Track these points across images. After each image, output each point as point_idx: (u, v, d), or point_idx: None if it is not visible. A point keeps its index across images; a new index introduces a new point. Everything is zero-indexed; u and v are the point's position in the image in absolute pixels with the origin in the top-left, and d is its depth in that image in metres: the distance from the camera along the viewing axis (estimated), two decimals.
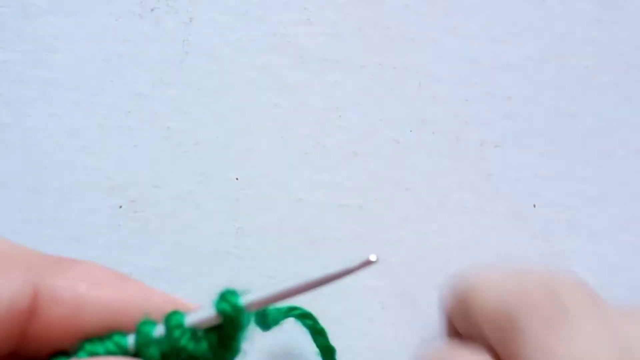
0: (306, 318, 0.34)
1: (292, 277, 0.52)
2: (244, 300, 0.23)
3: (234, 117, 0.50)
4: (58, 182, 0.49)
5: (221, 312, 0.23)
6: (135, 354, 0.22)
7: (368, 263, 0.22)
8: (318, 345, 0.35)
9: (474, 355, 0.25)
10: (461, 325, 0.30)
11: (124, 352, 0.22)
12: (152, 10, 0.49)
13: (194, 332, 0.23)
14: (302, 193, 0.50)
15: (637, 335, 0.25)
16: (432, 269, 0.49)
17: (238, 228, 0.49)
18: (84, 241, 0.49)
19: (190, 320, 0.23)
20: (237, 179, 0.49)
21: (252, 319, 0.25)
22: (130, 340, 0.22)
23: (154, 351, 0.22)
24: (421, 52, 0.50)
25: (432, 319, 0.46)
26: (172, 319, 0.23)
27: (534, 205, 0.50)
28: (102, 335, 0.22)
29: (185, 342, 0.22)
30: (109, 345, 0.22)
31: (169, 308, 0.22)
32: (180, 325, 0.23)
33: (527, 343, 0.24)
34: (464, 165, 0.50)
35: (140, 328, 0.22)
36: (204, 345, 0.23)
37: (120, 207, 0.49)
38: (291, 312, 0.34)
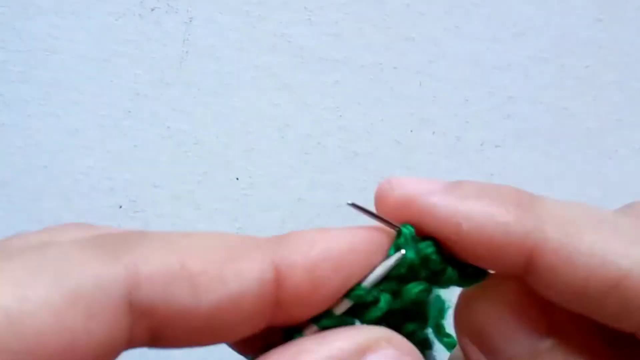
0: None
1: None
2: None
3: (234, 117, 0.50)
4: (58, 182, 0.49)
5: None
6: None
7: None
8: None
9: None
10: None
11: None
12: (152, 10, 0.49)
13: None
14: (302, 193, 0.50)
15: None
16: None
17: (238, 228, 0.49)
18: None
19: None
20: (237, 179, 0.49)
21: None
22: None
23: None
24: (422, 52, 0.50)
25: None
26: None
27: None
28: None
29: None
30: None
31: (380, 243, 0.26)
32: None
33: None
34: (465, 165, 0.50)
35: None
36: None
37: (120, 207, 0.49)
38: None
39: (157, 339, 0.23)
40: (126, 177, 0.49)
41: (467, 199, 0.25)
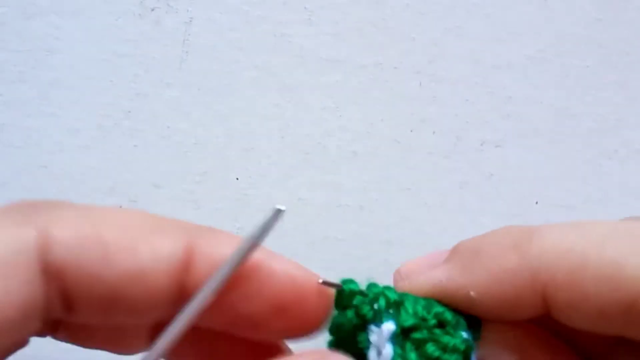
0: None
1: None
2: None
3: (234, 117, 0.49)
4: (58, 182, 0.49)
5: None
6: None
7: (279, 213, 0.24)
8: None
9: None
10: None
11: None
12: (152, 10, 0.49)
13: None
14: (302, 193, 0.50)
15: None
16: None
17: (238, 228, 0.49)
18: None
19: None
20: (237, 179, 0.49)
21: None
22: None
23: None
24: (422, 52, 0.50)
25: None
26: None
27: (536, 202, 0.50)
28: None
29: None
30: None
31: (294, 274, 0.26)
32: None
33: None
34: (465, 165, 0.50)
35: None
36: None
37: (120, 207, 0.49)
38: None
39: (70, 308, 0.24)
40: (126, 177, 0.49)
41: (467, 265, 0.25)
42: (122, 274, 0.23)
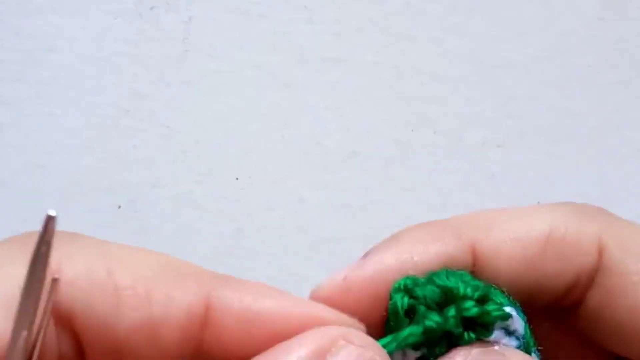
0: None
1: (292, 277, 0.52)
2: None
3: (234, 117, 0.49)
4: (56, 182, 0.49)
5: None
6: None
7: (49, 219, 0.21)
8: None
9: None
10: None
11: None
12: (151, 8, 0.49)
13: None
14: (302, 193, 0.49)
15: None
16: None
17: (238, 228, 0.49)
18: None
19: None
20: (237, 179, 0.49)
21: None
22: None
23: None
24: (423, 51, 0.50)
25: None
26: None
27: (537, 202, 0.50)
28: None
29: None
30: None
31: (326, 319, 0.24)
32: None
33: None
34: (466, 165, 0.50)
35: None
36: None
37: (120, 207, 0.49)
38: None
39: (81, 353, 0.22)
40: (125, 177, 0.49)
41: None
42: (133, 324, 0.21)
